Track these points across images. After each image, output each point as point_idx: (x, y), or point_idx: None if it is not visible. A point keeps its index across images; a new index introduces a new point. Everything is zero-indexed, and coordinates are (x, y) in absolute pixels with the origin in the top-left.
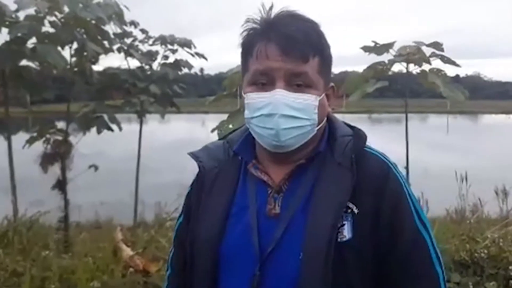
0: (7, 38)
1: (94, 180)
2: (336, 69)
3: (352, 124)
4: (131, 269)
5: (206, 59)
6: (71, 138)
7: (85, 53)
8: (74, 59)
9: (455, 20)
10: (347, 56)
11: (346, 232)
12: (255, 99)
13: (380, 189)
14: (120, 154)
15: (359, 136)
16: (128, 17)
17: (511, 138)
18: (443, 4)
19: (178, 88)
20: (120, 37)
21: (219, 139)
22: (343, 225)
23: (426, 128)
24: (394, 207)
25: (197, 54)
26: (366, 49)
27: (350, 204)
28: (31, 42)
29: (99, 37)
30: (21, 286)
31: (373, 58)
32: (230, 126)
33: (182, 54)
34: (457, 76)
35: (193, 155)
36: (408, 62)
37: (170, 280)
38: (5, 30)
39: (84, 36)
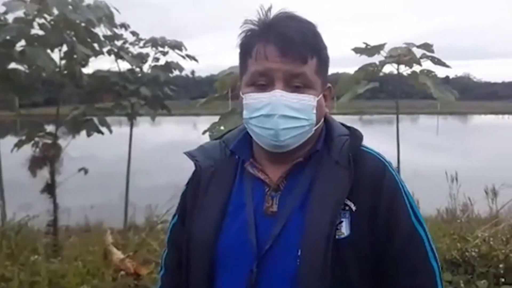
0: None
1: (84, 183)
2: None
3: None
4: (122, 273)
5: (197, 61)
6: (61, 141)
7: (74, 56)
8: (63, 61)
9: (444, 21)
10: (338, 57)
11: (344, 229)
12: (254, 100)
13: (377, 187)
14: (111, 157)
15: (355, 135)
16: (118, 19)
17: (500, 138)
18: (432, 5)
19: (169, 90)
20: (110, 39)
21: (215, 139)
22: (341, 222)
23: (417, 129)
24: (391, 204)
25: (188, 56)
26: (357, 50)
27: (347, 202)
28: (20, 45)
29: (89, 40)
30: None
31: (364, 60)
32: (222, 128)
33: (173, 56)
34: (447, 77)
35: (189, 154)
36: (399, 64)
37: (163, 280)
38: None
39: (74, 38)
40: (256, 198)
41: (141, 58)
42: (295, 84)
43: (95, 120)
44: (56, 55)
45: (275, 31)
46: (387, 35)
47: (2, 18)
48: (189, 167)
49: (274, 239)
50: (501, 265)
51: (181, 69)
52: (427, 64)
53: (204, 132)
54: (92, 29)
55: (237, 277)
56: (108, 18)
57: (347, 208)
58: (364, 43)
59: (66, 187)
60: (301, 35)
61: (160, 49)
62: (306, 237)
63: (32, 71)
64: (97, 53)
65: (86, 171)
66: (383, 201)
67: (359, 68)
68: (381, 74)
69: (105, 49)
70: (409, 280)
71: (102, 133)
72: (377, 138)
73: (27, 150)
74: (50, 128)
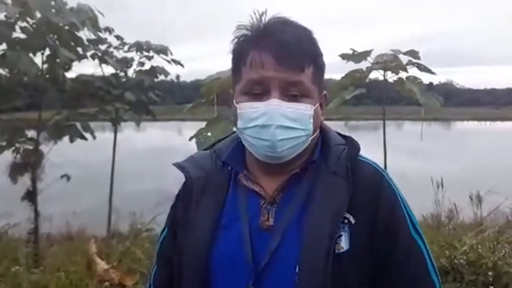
0: None
1: (66, 190)
2: None
3: None
4: (106, 283)
5: (182, 66)
6: (42, 147)
7: (57, 60)
8: (46, 65)
9: (427, 28)
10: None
11: (344, 243)
12: (249, 109)
13: (375, 199)
14: (94, 163)
15: (352, 145)
16: (102, 23)
17: (483, 144)
18: (415, 13)
19: (154, 95)
20: (94, 43)
21: (205, 149)
22: (340, 236)
23: (402, 135)
24: (389, 216)
25: (173, 61)
26: (344, 56)
27: (346, 215)
28: (1, 48)
29: (72, 43)
30: None
31: (350, 66)
32: (209, 134)
33: (158, 61)
34: (431, 83)
35: (179, 165)
36: (385, 70)
37: None
38: None
39: (57, 42)
40: (251, 211)
41: (126, 63)
42: (291, 93)
43: (78, 125)
44: (38, 59)
45: (271, 37)
46: (367, 42)
47: None
48: (175, 174)
49: (271, 255)
50: (490, 273)
51: (166, 74)
52: (413, 71)
53: (190, 138)
54: (76, 33)
55: None
56: (92, 22)
57: (346, 221)
58: (351, 49)
59: (47, 194)
60: (297, 41)
61: (145, 53)
62: (304, 252)
63: (14, 75)
64: (80, 57)
65: (68, 178)
66: (382, 214)
67: (346, 74)
68: (367, 80)
69: (89, 53)
70: None
71: (86, 139)
72: (363, 144)
73: (8, 156)
74: (31, 133)
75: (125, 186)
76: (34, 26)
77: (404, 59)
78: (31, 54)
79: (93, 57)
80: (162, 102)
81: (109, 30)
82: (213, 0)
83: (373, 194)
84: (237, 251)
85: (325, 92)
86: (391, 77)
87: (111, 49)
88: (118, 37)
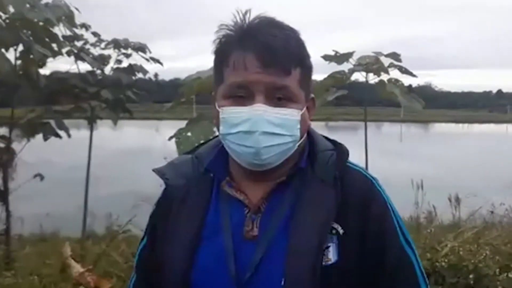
0: None
1: (40, 190)
2: None
3: None
4: (81, 287)
5: (161, 64)
6: (15, 145)
7: (31, 56)
8: (19, 62)
9: (406, 32)
10: None
11: (331, 255)
12: (232, 115)
13: (364, 208)
14: (69, 163)
15: (341, 151)
16: (79, 19)
17: (461, 146)
18: (394, 16)
19: (132, 93)
20: (70, 39)
21: (185, 153)
22: (328, 247)
23: (381, 136)
24: (380, 226)
25: (152, 59)
26: (326, 58)
27: (334, 225)
28: None
29: (47, 39)
30: None
31: (332, 67)
32: (189, 134)
33: (136, 58)
34: (410, 86)
35: (159, 171)
36: (367, 72)
37: None
38: None
39: (31, 38)
40: (234, 221)
41: (103, 60)
42: (277, 97)
43: (53, 123)
44: (11, 54)
45: (255, 37)
46: (346, 45)
47: None
48: (152, 175)
49: (255, 267)
50: (471, 276)
51: (145, 72)
52: (394, 73)
53: (170, 138)
54: (51, 29)
55: None
56: (68, 18)
57: (334, 231)
58: (334, 50)
59: (20, 194)
60: (283, 43)
61: (123, 51)
62: (291, 264)
63: None
64: (55, 54)
65: (42, 178)
66: (372, 224)
67: (328, 76)
68: (348, 81)
69: (64, 50)
70: None
71: (60, 137)
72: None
73: None
74: (3, 131)
75: (100, 187)
76: (7, 21)
77: (385, 61)
78: (3, 50)
79: (68, 53)
80: (140, 100)
81: (85, 26)
82: None
83: (362, 203)
84: (219, 264)
85: (312, 95)
86: (372, 79)
87: (87, 46)
88: (95, 34)
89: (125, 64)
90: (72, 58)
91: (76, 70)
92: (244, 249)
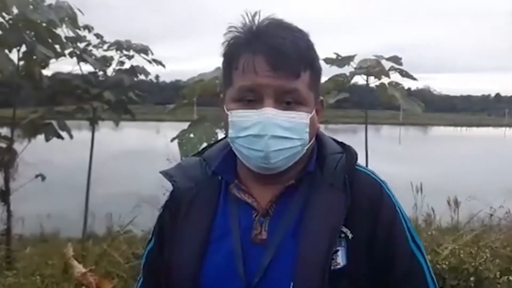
0: None
1: (41, 190)
2: None
3: None
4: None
5: (164, 66)
6: (16, 146)
7: (34, 57)
8: (22, 62)
9: (407, 37)
10: None
11: (340, 259)
12: (241, 118)
13: (374, 211)
14: (70, 163)
15: (350, 154)
16: (82, 21)
17: (460, 150)
18: (395, 22)
19: (134, 95)
20: (72, 41)
21: (193, 155)
22: (337, 251)
23: (380, 139)
24: (389, 230)
25: (154, 60)
26: (328, 61)
27: (343, 229)
28: None
29: (50, 41)
30: None
31: (333, 70)
32: (191, 135)
33: (138, 60)
34: (409, 89)
35: (166, 174)
36: (368, 75)
37: None
38: None
39: (34, 39)
40: (243, 224)
41: (105, 61)
42: (286, 100)
43: (54, 124)
44: (14, 55)
45: (264, 40)
46: (351, 49)
47: None
48: (152, 175)
49: (264, 270)
50: (471, 278)
51: (147, 73)
52: (394, 76)
53: (172, 139)
54: (54, 30)
55: None
56: (71, 19)
57: (343, 235)
58: (335, 53)
59: (21, 194)
60: (293, 46)
61: (126, 52)
62: (299, 268)
63: None
64: (58, 55)
65: (43, 178)
66: (381, 228)
67: (329, 79)
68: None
69: (67, 51)
70: None
71: (62, 138)
72: None
73: None
74: (5, 131)
75: (101, 187)
76: (11, 22)
77: (386, 64)
78: (6, 51)
79: (71, 55)
80: (141, 102)
81: (88, 28)
82: (193, 1)
83: (371, 207)
84: (228, 267)
85: (321, 97)
86: (373, 82)
87: (90, 47)
88: (97, 36)
89: (127, 65)
90: (75, 59)
91: (78, 71)
92: (253, 252)
